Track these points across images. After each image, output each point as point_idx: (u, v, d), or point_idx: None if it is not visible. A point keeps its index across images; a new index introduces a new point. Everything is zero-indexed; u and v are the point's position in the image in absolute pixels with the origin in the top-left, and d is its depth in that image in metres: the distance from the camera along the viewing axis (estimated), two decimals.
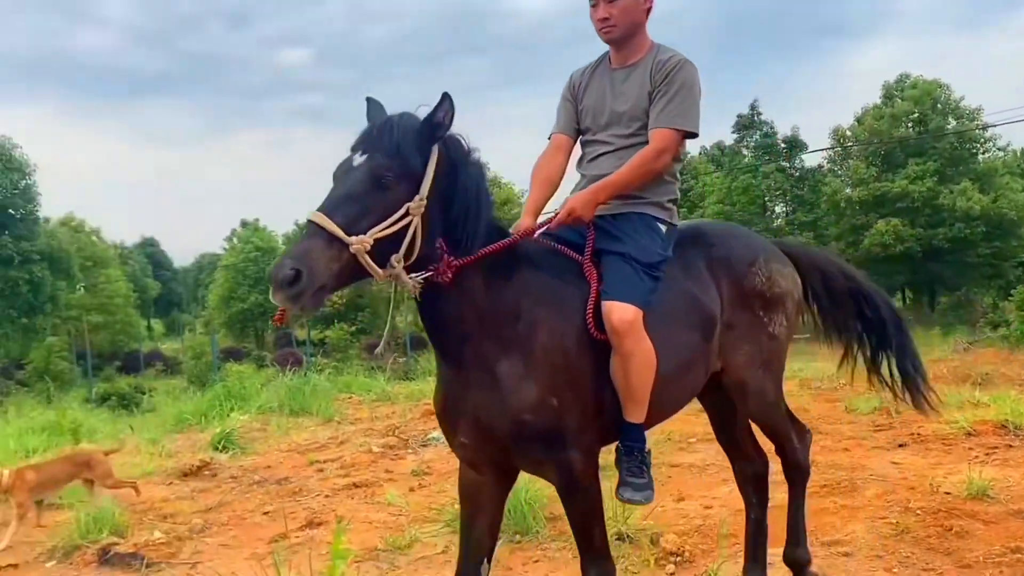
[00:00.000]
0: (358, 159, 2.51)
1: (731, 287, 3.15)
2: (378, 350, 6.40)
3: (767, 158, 40.41)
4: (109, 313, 43.44)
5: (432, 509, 5.32)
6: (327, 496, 6.10)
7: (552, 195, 3.11)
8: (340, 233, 2.36)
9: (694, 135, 3.01)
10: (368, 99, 2.69)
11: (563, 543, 4.42)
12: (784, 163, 40.90)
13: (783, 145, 41.12)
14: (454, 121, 2.56)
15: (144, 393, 18.07)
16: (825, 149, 41.51)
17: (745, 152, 42.40)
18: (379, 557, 4.60)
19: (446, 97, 2.51)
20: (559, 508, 3.51)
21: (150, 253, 69.50)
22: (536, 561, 4.38)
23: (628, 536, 4.46)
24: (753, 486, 3.61)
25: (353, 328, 40.38)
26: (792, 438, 3.53)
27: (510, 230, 2.85)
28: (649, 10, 3.08)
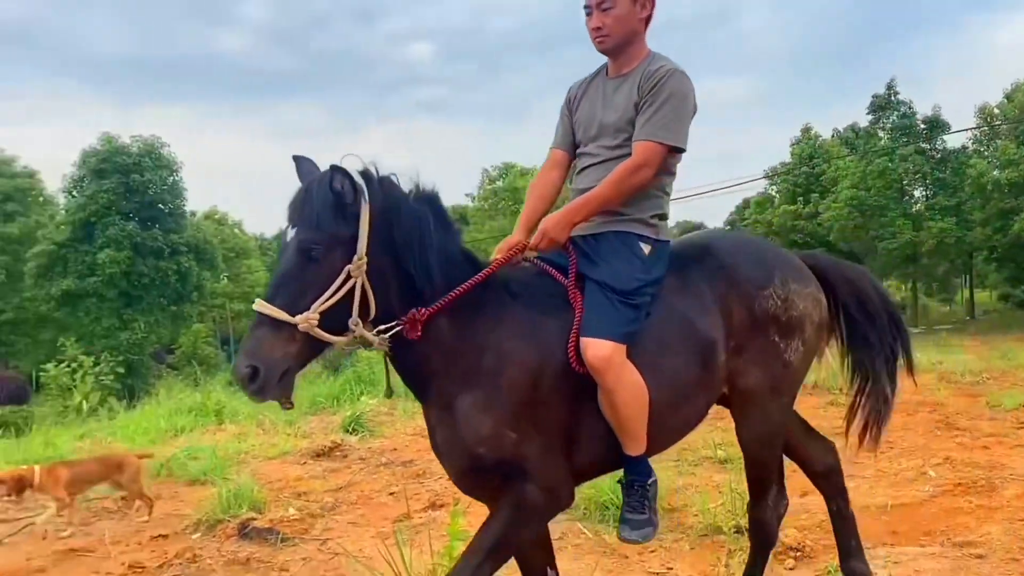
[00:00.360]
0: (290, 234, 2.47)
1: (742, 310, 2.90)
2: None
3: (905, 140, 38.36)
4: (250, 301, 45.95)
5: None
6: (448, 479, 6.29)
7: (547, 210, 2.97)
8: (284, 316, 2.34)
9: (680, 150, 2.83)
10: (295, 157, 2.61)
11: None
12: (924, 144, 38.72)
13: (923, 126, 38.93)
14: (362, 185, 2.45)
15: None
16: (970, 128, 39.11)
17: (881, 134, 40.42)
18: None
19: (335, 171, 2.40)
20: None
21: None
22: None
23: (746, 529, 4.40)
24: (825, 480, 3.42)
25: None
26: (769, 492, 3.18)
27: (497, 248, 2.83)
28: (648, 19, 2.93)
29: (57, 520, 5.84)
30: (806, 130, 44.57)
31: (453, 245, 2.70)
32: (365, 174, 2.51)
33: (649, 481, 2.82)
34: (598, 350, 2.58)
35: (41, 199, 36.05)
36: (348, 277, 2.42)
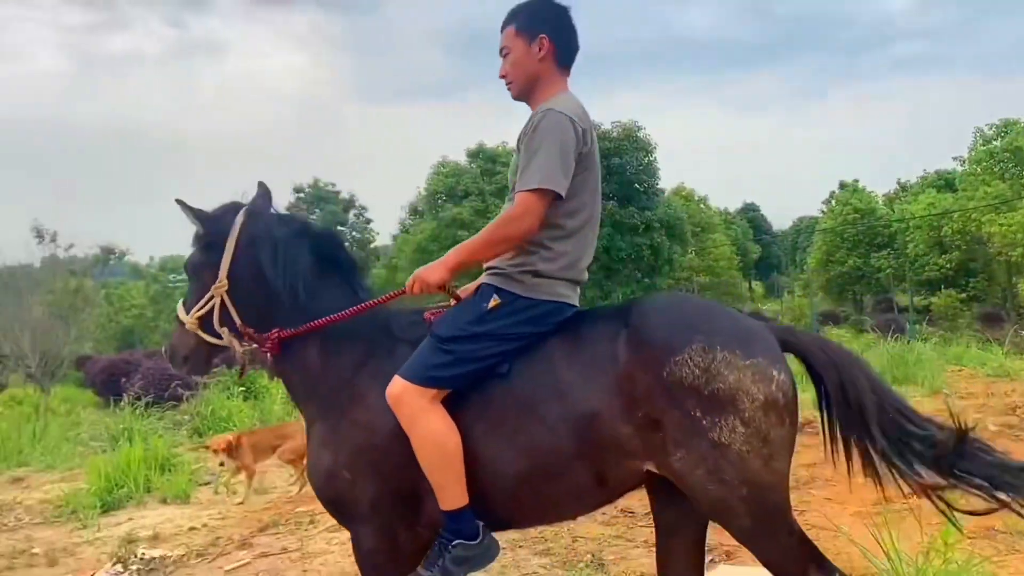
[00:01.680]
0: None
1: (647, 376, 2.47)
2: None
3: None
4: (715, 275, 46.98)
5: None
6: None
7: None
8: (182, 316, 2.96)
9: (554, 193, 2.55)
10: (177, 200, 2.94)
11: None
12: None
13: None
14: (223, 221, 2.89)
15: None
16: None
17: None
18: (996, 537, 4.36)
19: (187, 211, 2.91)
20: None
21: (751, 218, 72.53)
22: None
23: None
24: None
25: (963, 295, 36.70)
26: None
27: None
28: (551, 59, 2.74)
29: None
30: None
31: (334, 274, 2.89)
32: (244, 206, 2.93)
33: (454, 543, 2.61)
34: (392, 388, 2.58)
35: None
36: (212, 295, 2.88)
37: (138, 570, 5.07)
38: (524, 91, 2.80)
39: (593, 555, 4.67)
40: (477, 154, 40.96)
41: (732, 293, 49.52)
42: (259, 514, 6.35)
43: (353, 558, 2.78)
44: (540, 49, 2.74)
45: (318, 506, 6.43)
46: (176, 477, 7.36)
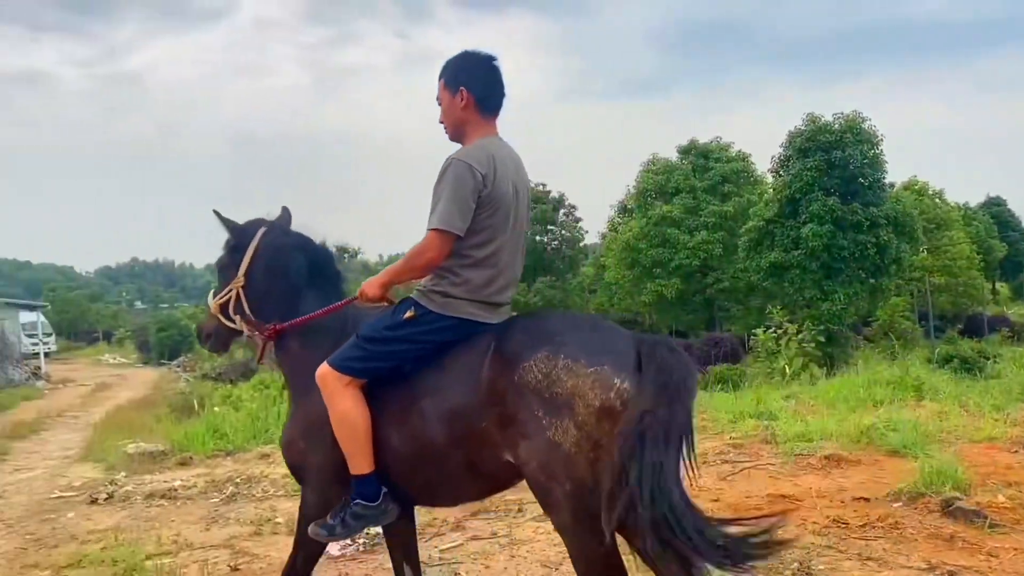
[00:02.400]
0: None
1: (503, 380, 2.86)
2: None
3: None
4: (952, 275, 43.00)
5: None
6: None
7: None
8: (209, 302, 3.73)
9: (446, 232, 2.98)
10: (214, 211, 3.76)
11: None
12: None
13: None
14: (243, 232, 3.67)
15: (988, 359, 17.52)
16: None
17: None
18: None
19: (224, 223, 3.73)
20: None
21: (995, 213, 65.72)
22: None
23: None
24: None
25: None
26: None
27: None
28: (473, 108, 3.16)
29: None
30: None
31: (321, 282, 3.59)
32: (266, 223, 3.69)
33: (356, 501, 3.14)
34: (319, 370, 3.16)
35: (752, 179, 39.64)
36: (231, 288, 3.62)
37: (364, 543, 5.55)
38: (455, 136, 3.26)
39: (801, 564, 4.54)
40: (688, 151, 40.24)
41: (971, 295, 45.20)
42: None
43: (559, 549, 3.13)
44: (462, 100, 3.16)
45: (527, 495, 6.71)
46: None
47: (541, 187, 42.66)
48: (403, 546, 3.69)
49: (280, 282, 3.57)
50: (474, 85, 3.16)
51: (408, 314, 3.10)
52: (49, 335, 42.46)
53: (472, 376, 2.95)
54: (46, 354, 35.78)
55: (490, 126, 3.22)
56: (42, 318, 42.10)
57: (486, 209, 3.03)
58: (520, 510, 6.05)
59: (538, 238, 41.63)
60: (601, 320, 3.15)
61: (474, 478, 3.10)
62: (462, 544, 5.46)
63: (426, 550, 5.39)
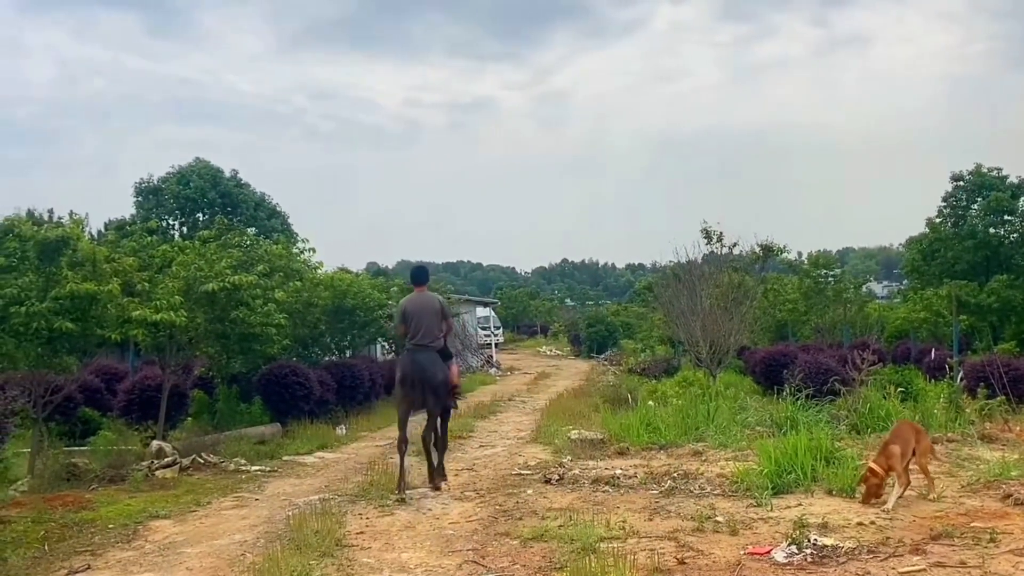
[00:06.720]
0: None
1: None
2: None
3: None
4: None
5: None
6: None
7: None
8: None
9: (400, 330, 9.15)
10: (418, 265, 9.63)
11: None
12: None
13: None
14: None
15: None
16: None
17: None
18: None
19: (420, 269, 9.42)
20: None
21: None
22: None
23: None
24: None
25: None
26: None
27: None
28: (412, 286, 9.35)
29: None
30: None
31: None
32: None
33: None
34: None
35: None
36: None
37: (811, 554, 5.34)
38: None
39: None
40: None
41: None
42: (929, 521, 6.11)
43: None
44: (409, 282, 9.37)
45: (999, 523, 5.91)
46: (841, 470, 7.51)
47: (996, 172, 37.25)
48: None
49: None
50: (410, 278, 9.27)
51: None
52: (499, 328, 47.87)
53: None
54: (496, 344, 40.49)
55: (420, 289, 8.69)
56: (493, 313, 47.68)
57: (406, 320, 8.49)
58: (992, 540, 5.30)
59: (992, 230, 36.32)
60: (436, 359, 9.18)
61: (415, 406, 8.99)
62: (925, 570, 4.97)
63: (883, 570, 5.01)
